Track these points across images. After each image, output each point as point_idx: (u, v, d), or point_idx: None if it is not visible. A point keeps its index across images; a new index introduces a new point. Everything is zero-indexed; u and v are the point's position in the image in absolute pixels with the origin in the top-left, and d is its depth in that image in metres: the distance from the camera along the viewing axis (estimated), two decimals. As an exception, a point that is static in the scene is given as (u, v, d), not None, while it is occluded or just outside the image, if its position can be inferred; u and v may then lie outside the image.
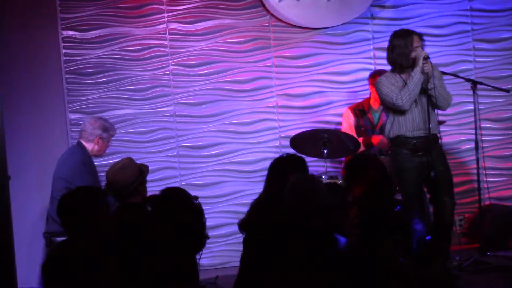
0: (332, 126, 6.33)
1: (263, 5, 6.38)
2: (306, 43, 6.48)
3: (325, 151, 5.59)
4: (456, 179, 6.29)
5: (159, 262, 3.72)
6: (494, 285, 5.20)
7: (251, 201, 4.45)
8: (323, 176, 5.55)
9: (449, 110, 5.95)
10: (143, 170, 4.29)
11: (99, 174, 5.71)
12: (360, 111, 6.17)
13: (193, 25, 6.32)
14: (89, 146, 5.48)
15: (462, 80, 5.95)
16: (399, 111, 5.25)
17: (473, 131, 5.94)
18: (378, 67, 6.30)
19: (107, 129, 5.53)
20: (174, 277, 3.76)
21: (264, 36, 6.42)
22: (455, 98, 6.20)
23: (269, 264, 3.85)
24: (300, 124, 6.37)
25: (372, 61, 6.53)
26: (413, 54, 5.22)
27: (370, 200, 4.07)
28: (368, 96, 6.25)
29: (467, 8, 6.65)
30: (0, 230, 4.50)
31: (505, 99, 6.61)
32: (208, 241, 5.65)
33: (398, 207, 4.07)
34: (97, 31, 6.19)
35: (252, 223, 4.17)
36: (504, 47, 6.69)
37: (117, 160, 4.48)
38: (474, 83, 5.83)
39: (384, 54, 6.37)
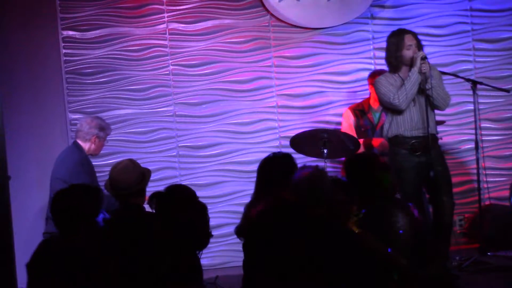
0: (332, 126, 6.33)
1: (263, 5, 6.38)
2: (306, 43, 6.48)
3: (325, 151, 5.58)
4: (456, 179, 6.31)
5: (160, 261, 3.73)
6: (494, 285, 5.20)
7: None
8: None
9: (449, 110, 5.96)
10: (145, 175, 4.28)
11: (99, 174, 5.71)
12: (360, 111, 6.17)
13: (193, 25, 6.33)
14: (85, 145, 5.45)
15: (462, 80, 5.95)
16: (397, 111, 5.27)
17: (473, 131, 5.94)
18: (378, 67, 6.30)
19: (104, 128, 5.52)
20: (177, 276, 3.77)
21: (264, 36, 6.42)
22: (455, 98, 6.22)
23: (271, 266, 3.85)
24: (300, 124, 6.37)
25: (372, 61, 6.53)
26: (407, 53, 5.24)
27: (370, 199, 4.08)
28: (368, 96, 6.25)
29: (467, 8, 6.65)
30: (0, 230, 4.50)
31: (505, 99, 6.61)
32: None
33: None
34: (97, 31, 6.19)
35: (249, 227, 4.16)
36: (504, 47, 6.69)
37: (120, 159, 4.46)
38: (474, 83, 5.83)
39: (384, 54, 6.41)
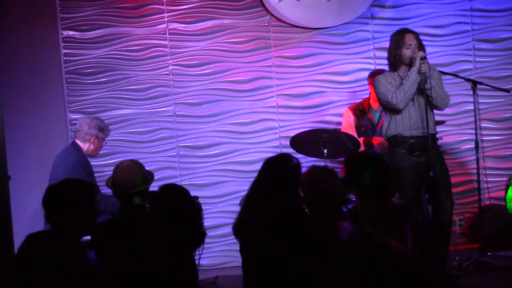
0: (332, 126, 6.33)
1: (263, 5, 6.38)
2: (306, 43, 6.48)
3: (325, 151, 5.59)
4: (456, 179, 6.31)
5: (160, 261, 3.73)
6: (494, 285, 5.20)
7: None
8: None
9: (449, 110, 5.96)
10: (148, 177, 4.28)
11: (98, 175, 5.72)
12: (360, 111, 6.18)
13: (193, 25, 6.33)
14: (84, 145, 5.45)
15: (462, 80, 5.95)
16: (395, 110, 5.28)
17: (473, 131, 5.94)
18: (378, 67, 6.31)
19: (103, 129, 5.52)
20: (173, 276, 3.77)
21: (264, 36, 6.42)
22: (455, 98, 6.22)
23: (271, 267, 3.86)
24: (300, 124, 6.37)
25: (372, 61, 6.53)
26: (406, 52, 5.25)
27: (369, 197, 4.09)
28: (368, 96, 6.25)
29: (467, 8, 6.65)
30: (0, 230, 4.51)
31: (505, 99, 6.61)
32: (208, 241, 5.69)
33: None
34: (97, 31, 6.19)
35: (247, 228, 4.16)
36: (504, 47, 6.69)
37: (126, 159, 4.46)
38: (474, 83, 5.83)
39: (384, 54, 6.41)
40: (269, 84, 6.43)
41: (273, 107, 6.44)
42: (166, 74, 6.29)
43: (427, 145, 5.19)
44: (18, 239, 5.00)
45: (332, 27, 6.47)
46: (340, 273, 3.61)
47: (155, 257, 3.76)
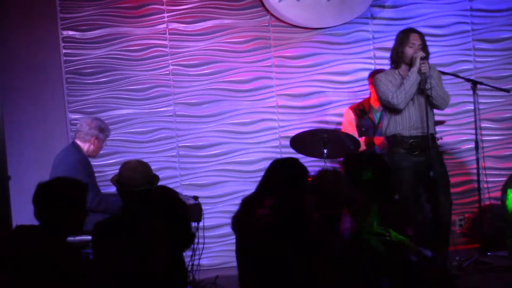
0: (332, 126, 6.33)
1: (263, 5, 6.38)
2: (306, 43, 6.48)
3: (325, 151, 5.59)
4: (456, 179, 6.32)
5: (155, 261, 3.74)
6: (494, 285, 5.21)
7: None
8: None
9: (449, 110, 5.96)
10: (153, 179, 4.27)
11: (98, 174, 5.72)
12: (361, 111, 6.18)
13: (193, 25, 6.32)
14: (84, 146, 5.45)
15: (462, 80, 5.95)
16: (395, 110, 5.28)
17: (473, 131, 5.94)
18: (378, 67, 6.31)
19: (103, 130, 5.52)
20: (166, 276, 3.78)
21: (264, 36, 6.42)
22: (455, 98, 6.22)
23: (267, 264, 3.87)
24: (300, 124, 6.37)
25: (372, 61, 6.53)
26: (409, 51, 5.26)
27: (370, 196, 4.09)
28: (368, 96, 6.25)
29: (467, 8, 6.65)
30: (0, 230, 4.51)
31: (505, 99, 6.61)
32: (208, 241, 5.73)
33: None
34: (97, 31, 6.19)
35: (245, 223, 4.18)
36: (504, 47, 6.69)
37: (131, 159, 4.46)
38: (474, 83, 5.83)
39: (384, 54, 6.41)
40: (269, 84, 6.43)
41: (273, 107, 6.44)
42: (166, 74, 6.29)
43: (426, 145, 5.20)
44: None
45: (332, 27, 6.47)
46: (343, 273, 3.62)
47: (154, 256, 3.76)
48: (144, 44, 6.25)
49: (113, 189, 5.81)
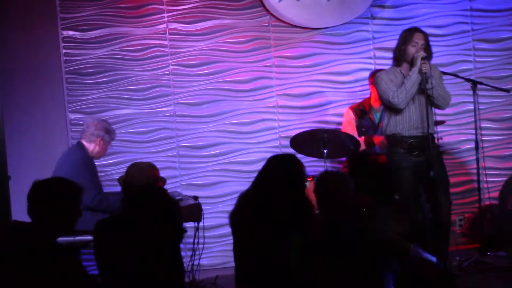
0: (332, 126, 6.33)
1: (263, 5, 6.38)
2: (306, 43, 6.48)
3: (325, 151, 5.59)
4: (456, 179, 6.32)
5: (156, 261, 3.74)
6: (494, 285, 5.20)
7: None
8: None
9: (449, 110, 5.96)
10: (160, 182, 4.27)
11: (99, 174, 5.72)
12: (361, 111, 6.17)
13: (193, 25, 6.32)
14: (89, 146, 5.49)
15: (462, 80, 5.95)
16: (396, 109, 5.28)
17: (473, 131, 5.94)
18: (378, 67, 6.30)
19: (109, 132, 5.55)
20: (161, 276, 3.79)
21: (264, 36, 6.42)
22: (455, 98, 6.22)
23: (263, 261, 3.88)
24: (300, 124, 6.37)
25: (372, 61, 6.53)
26: (411, 49, 5.26)
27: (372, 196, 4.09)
28: (368, 96, 6.25)
29: (467, 8, 6.65)
30: (0, 231, 4.50)
31: (505, 99, 6.61)
32: (208, 241, 5.73)
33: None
34: (97, 31, 6.19)
35: (241, 218, 4.19)
36: (504, 47, 6.69)
37: (141, 160, 4.47)
38: (474, 83, 5.83)
39: (384, 54, 6.41)
40: (269, 84, 6.43)
41: (273, 107, 6.44)
42: (166, 74, 6.29)
43: (426, 145, 5.20)
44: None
45: (332, 27, 6.47)
46: (343, 273, 3.62)
47: (155, 256, 3.76)
48: (144, 44, 6.25)
49: (113, 189, 5.84)
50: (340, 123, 6.33)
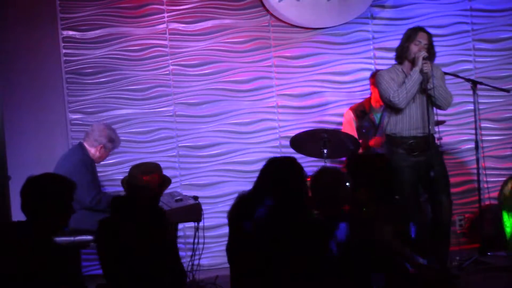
0: (332, 126, 6.33)
1: (263, 5, 6.38)
2: (306, 43, 6.48)
3: (325, 151, 5.59)
4: (456, 179, 6.31)
5: (153, 260, 3.75)
6: (494, 285, 5.21)
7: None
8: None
9: (449, 110, 5.96)
10: (165, 182, 4.25)
11: (100, 174, 5.72)
12: (361, 112, 6.17)
13: (193, 25, 6.32)
14: (90, 150, 5.52)
15: (462, 80, 5.95)
16: (396, 109, 5.28)
17: (473, 131, 5.94)
18: (378, 67, 6.31)
19: (113, 141, 5.57)
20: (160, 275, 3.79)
21: (264, 36, 6.41)
22: (455, 98, 6.19)
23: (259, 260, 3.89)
24: (300, 124, 6.37)
25: (372, 61, 6.53)
26: (413, 48, 5.26)
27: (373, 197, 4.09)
28: (368, 96, 6.25)
29: (467, 8, 6.65)
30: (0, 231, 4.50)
31: (505, 99, 6.61)
32: (208, 241, 5.73)
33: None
34: (97, 31, 6.19)
35: (239, 217, 4.20)
36: (504, 47, 6.69)
37: (145, 161, 4.46)
38: (474, 83, 5.83)
39: (384, 54, 6.40)
40: (269, 84, 6.43)
41: (273, 107, 6.44)
42: (166, 74, 6.29)
43: (426, 145, 5.20)
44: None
45: (332, 27, 6.47)
46: (338, 273, 3.63)
47: (152, 255, 3.77)
48: (144, 44, 6.25)
49: (113, 189, 5.84)
50: (340, 123, 6.33)
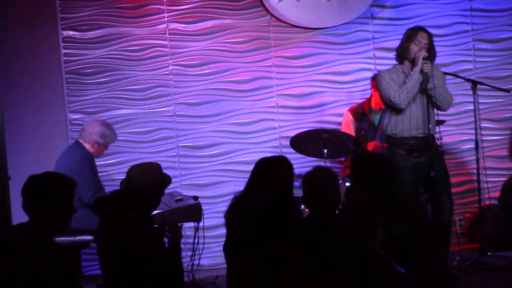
0: (332, 126, 6.33)
1: (263, 5, 6.38)
2: (306, 43, 6.48)
3: (325, 151, 5.59)
4: (456, 179, 6.31)
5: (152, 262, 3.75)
6: (494, 285, 5.21)
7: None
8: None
9: (449, 110, 5.95)
10: (165, 181, 4.24)
11: (100, 174, 5.72)
12: (360, 114, 6.16)
13: (193, 25, 6.32)
14: (86, 146, 5.53)
15: (462, 80, 5.95)
16: (397, 109, 5.27)
17: (473, 131, 5.94)
18: (378, 67, 6.31)
19: (105, 136, 5.56)
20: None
21: (264, 36, 6.42)
22: (455, 98, 6.20)
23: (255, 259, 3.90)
24: (300, 124, 6.37)
25: (372, 61, 6.53)
26: (413, 47, 5.24)
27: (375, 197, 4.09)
28: (368, 96, 6.25)
29: (467, 8, 6.65)
30: (0, 230, 4.50)
31: (505, 99, 6.61)
32: (208, 241, 5.73)
33: None
34: (97, 31, 6.19)
35: (236, 217, 4.21)
36: (504, 47, 6.69)
37: (145, 161, 4.45)
38: (474, 83, 5.83)
39: (384, 54, 6.40)
40: (269, 84, 6.43)
41: (273, 107, 6.44)
42: (166, 74, 6.29)
43: (427, 145, 5.19)
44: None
45: (332, 27, 6.47)
46: (332, 272, 3.62)
47: (151, 258, 3.77)
48: (144, 44, 6.25)
49: (113, 189, 5.83)
50: (340, 123, 6.32)
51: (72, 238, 4.98)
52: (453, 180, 5.61)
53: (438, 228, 5.28)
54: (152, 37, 6.26)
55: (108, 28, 6.20)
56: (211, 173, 6.35)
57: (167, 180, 4.22)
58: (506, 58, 6.69)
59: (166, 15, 6.27)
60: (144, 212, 4.03)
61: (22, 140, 6.00)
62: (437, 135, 5.40)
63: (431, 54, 5.28)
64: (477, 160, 5.86)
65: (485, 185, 6.26)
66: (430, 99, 5.25)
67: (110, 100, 6.21)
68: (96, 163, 5.67)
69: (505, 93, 6.15)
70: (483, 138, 6.33)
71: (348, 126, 6.15)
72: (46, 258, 3.38)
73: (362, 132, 6.10)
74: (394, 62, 5.44)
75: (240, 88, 6.38)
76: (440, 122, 5.77)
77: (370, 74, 6.35)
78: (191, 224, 5.35)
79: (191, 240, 5.38)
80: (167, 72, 6.29)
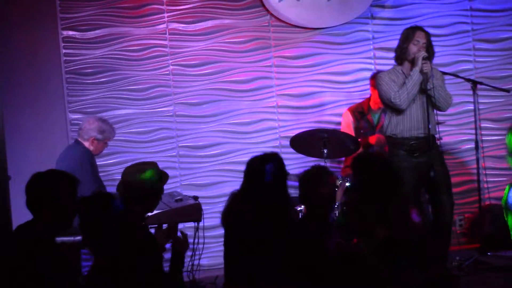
0: (332, 126, 6.33)
1: (263, 5, 6.38)
2: (306, 43, 6.48)
3: (325, 151, 5.59)
4: (456, 179, 6.31)
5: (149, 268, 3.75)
6: (494, 285, 5.21)
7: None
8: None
9: (449, 110, 5.95)
10: (162, 178, 4.22)
11: (100, 174, 5.72)
12: (359, 113, 6.16)
13: (193, 25, 6.32)
14: (85, 144, 5.53)
15: (462, 80, 5.95)
16: (397, 110, 5.27)
17: (473, 131, 5.95)
18: (378, 67, 6.31)
19: (103, 132, 5.55)
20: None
21: (264, 36, 6.42)
22: (455, 98, 6.20)
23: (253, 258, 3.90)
24: (300, 124, 6.37)
25: (372, 61, 6.53)
26: (412, 48, 5.24)
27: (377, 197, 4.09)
28: (368, 96, 6.25)
29: (467, 8, 6.65)
30: (0, 230, 4.51)
31: (505, 99, 6.61)
32: (208, 241, 5.73)
33: None
34: (97, 31, 6.19)
35: (232, 216, 4.21)
36: (504, 47, 6.69)
37: (143, 160, 4.45)
38: (474, 83, 5.83)
39: (384, 54, 6.40)
40: (269, 84, 6.43)
41: (273, 107, 6.44)
42: (166, 74, 6.29)
43: (427, 145, 5.19)
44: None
45: (332, 27, 6.47)
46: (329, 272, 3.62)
47: (148, 264, 3.76)
48: (144, 44, 6.25)
49: (113, 189, 5.83)
50: (339, 123, 6.32)
51: (72, 238, 4.97)
52: (453, 180, 5.61)
53: (439, 228, 5.28)
54: (152, 37, 6.26)
55: (108, 28, 6.20)
56: (211, 173, 6.35)
57: (164, 176, 4.20)
58: (506, 58, 6.69)
59: (166, 15, 6.28)
60: (141, 212, 4.01)
61: (22, 140, 6.00)
62: (437, 135, 5.40)
63: (430, 53, 5.28)
64: (477, 160, 5.87)
65: (485, 185, 6.27)
66: (430, 99, 5.24)
67: (110, 100, 6.21)
68: (97, 163, 5.67)
69: (505, 93, 6.16)
70: (483, 138, 6.33)
71: (348, 126, 6.14)
72: (45, 258, 3.38)
73: (361, 131, 6.11)
74: (394, 62, 5.44)
75: (240, 88, 6.38)
76: (440, 123, 5.78)
77: (370, 74, 6.35)
78: (191, 224, 5.36)
79: (191, 240, 5.38)
80: (167, 72, 6.29)
